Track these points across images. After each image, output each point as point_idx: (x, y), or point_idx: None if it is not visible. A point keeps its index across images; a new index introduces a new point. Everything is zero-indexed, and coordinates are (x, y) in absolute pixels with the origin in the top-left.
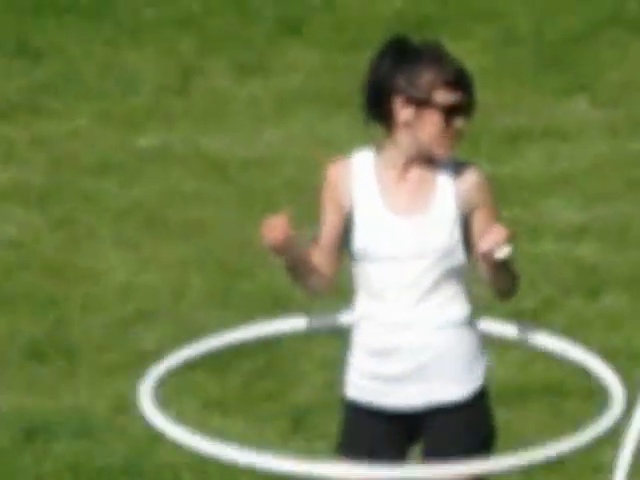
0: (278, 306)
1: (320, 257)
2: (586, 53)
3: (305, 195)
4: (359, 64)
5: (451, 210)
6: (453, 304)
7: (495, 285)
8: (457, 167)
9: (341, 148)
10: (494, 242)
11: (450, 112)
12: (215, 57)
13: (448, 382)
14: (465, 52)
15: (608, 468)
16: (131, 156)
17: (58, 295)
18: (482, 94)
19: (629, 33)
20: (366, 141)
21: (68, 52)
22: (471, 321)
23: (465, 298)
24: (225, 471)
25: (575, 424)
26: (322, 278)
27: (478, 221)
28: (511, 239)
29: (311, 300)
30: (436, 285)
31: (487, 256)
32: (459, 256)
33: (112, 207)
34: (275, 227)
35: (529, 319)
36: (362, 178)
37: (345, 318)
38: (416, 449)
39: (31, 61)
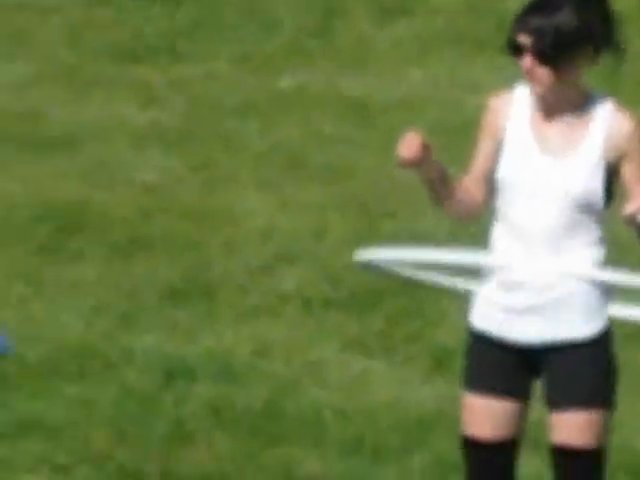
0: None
1: (470, 184)
2: None
3: (448, 137)
4: (500, 6)
5: (597, 156)
6: (588, 248)
7: None
8: (612, 114)
9: (482, 89)
10: (639, 207)
11: (520, 51)
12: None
13: (575, 320)
14: None
15: None
16: (271, 98)
17: (197, 238)
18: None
19: None
20: (506, 83)
21: None
22: (603, 265)
23: (600, 243)
24: (365, 411)
25: None
26: (466, 204)
27: (628, 172)
28: None
29: (452, 240)
30: (572, 228)
31: (630, 220)
32: (599, 202)
33: (252, 149)
34: (412, 141)
35: None
36: (519, 112)
37: (482, 258)
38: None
39: (171, 5)
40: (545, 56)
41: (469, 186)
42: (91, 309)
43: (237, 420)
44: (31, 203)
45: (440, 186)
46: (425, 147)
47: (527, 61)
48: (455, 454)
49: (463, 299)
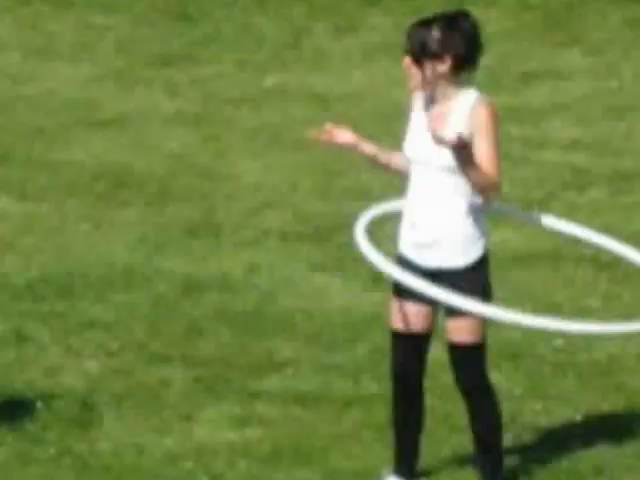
0: (363, 198)
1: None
2: (578, 17)
3: (383, 123)
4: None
5: (460, 130)
6: (462, 197)
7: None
8: (475, 102)
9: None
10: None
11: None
12: (319, 21)
13: (454, 252)
14: (493, 16)
15: None
16: (259, 92)
17: (207, 191)
18: (505, 46)
19: (610, 4)
20: None
21: (214, 16)
22: (476, 209)
23: (472, 195)
24: (324, 313)
25: (569, 282)
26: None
27: (476, 146)
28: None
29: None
30: (446, 184)
31: (437, 139)
32: None
33: (246, 128)
34: (343, 132)
35: (537, 207)
36: (420, 102)
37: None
38: None
39: (189, 23)
40: (414, 59)
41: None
42: (134, 240)
43: (234, 320)
44: (91, 166)
45: (376, 161)
46: (353, 136)
47: (406, 61)
48: (387, 343)
49: (394, 231)
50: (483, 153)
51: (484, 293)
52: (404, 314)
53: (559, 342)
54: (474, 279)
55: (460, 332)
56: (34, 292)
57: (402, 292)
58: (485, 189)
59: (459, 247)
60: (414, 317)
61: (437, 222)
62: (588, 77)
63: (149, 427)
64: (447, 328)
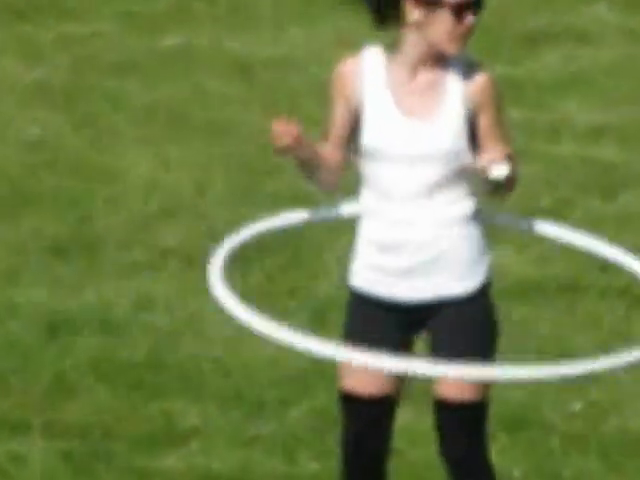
0: (298, 204)
1: (328, 151)
2: None
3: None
4: None
5: (458, 113)
6: (458, 202)
7: (486, 195)
8: (467, 69)
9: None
10: (491, 160)
11: (459, 9)
12: None
13: (452, 277)
14: None
15: None
16: (155, 57)
17: (81, 194)
18: None
19: None
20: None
21: None
22: (476, 219)
23: (471, 197)
24: (244, 364)
25: (591, 321)
26: (331, 172)
27: (482, 124)
28: (509, 160)
29: (328, 197)
30: (442, 185)
31: (482, 172)
32: (466, 158)
33: (136, 107)
34: (285, 132)
35: (546, 217)
36: (372, 75)
37: (349, 209)
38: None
39: None
40: (482, 6)
41: (329, 156)
42: None
43: (118, 373)
44: None
45: (309, 165)
46: (298, 137)
47: (470, 18)
48: (333, 408)
49: (341, 254)
50: (496, 141)
51: (491, 330)
52: (362, 372)
53: (576, 406)
54: (478, 311)
55: (457, 387)
56: None
57: (358, 340)
58: (508, 189)
59: (459, 270)
60: (377, 375)
61: (432, 238)
62: (617, 40)
63: None
64: (437, 380)
